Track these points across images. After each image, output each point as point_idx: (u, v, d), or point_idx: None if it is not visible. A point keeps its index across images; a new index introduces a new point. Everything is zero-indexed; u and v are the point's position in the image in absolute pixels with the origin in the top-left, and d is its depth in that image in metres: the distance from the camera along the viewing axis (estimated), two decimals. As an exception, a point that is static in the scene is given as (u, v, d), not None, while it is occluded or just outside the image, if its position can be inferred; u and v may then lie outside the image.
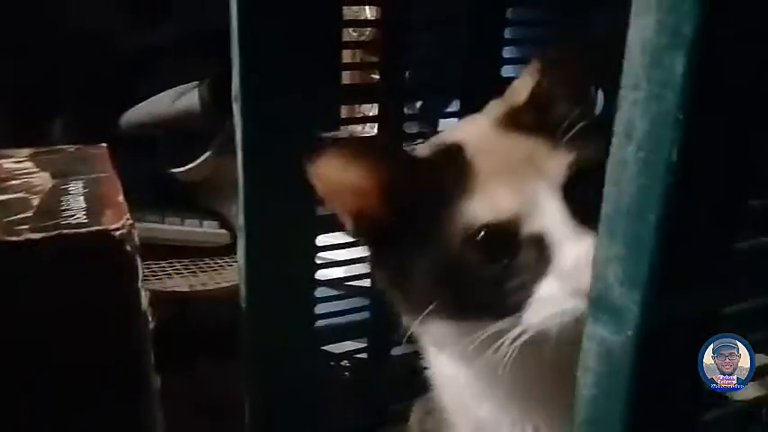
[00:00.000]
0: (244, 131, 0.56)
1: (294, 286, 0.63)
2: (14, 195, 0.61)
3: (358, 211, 0.43)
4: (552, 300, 0.34)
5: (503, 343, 0.36)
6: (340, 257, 0.67)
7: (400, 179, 0.41)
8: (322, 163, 0.42)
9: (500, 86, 0.45)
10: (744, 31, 0.21)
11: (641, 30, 0.21)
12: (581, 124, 0.37)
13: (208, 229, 0.92)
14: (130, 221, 0.54)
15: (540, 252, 0.35)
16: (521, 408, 0.44)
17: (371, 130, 0.69)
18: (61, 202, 0.59)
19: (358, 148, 0.42)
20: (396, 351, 0.70)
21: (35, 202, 0.60)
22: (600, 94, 0.46)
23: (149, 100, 0.89)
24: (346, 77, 0.67)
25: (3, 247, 0.51)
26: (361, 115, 0.77)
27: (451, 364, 0.47)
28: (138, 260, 0.55)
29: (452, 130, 0.50)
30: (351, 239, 0.64)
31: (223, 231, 0.93)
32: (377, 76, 0.67)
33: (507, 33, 0.64)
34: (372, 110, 0.69)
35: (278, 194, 0.59)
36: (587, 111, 0.40)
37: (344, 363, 0.69)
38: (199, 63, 0.93)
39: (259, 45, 0.54)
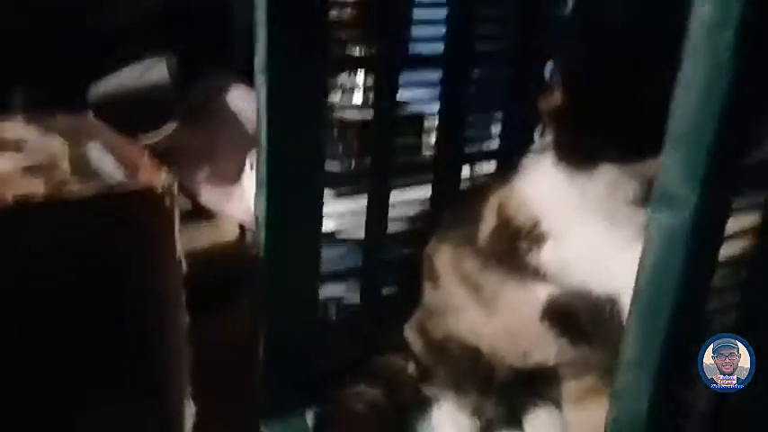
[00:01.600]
0: (269, 99, 0.63)
1: (305, 234, 0.71)
2: (39, 158, 0.65)
3: None
4: None
5: None
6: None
7: None
8: None
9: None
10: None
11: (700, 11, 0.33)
12: None
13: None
14: (170, 178, 0.61)
15: None
16: None
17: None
18: (91, 163, 0.64)
19: None
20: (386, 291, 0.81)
21: (64, 163, 0.64)
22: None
23: (117, 72, 0.91)
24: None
25: (54, 204, 0.56)
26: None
27: None
28: (176, 212, 0.61)
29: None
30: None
31: (184, 199, 0.98)
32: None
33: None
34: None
35: (295, 152, 0.67)
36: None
37: (342, 302, 0.78)
38: (162, 37, 0.96)
39: (284, 20, 0.61)
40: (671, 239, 0.37)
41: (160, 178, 0.60)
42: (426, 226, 0.80)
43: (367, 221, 0.76)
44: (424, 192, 0.80)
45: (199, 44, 0.99)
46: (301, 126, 0.66)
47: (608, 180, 0.53)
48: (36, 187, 0.56)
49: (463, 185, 0.82)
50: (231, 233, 1.04)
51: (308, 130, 0.67)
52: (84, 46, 0.96)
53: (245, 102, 1.05)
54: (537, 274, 0.59)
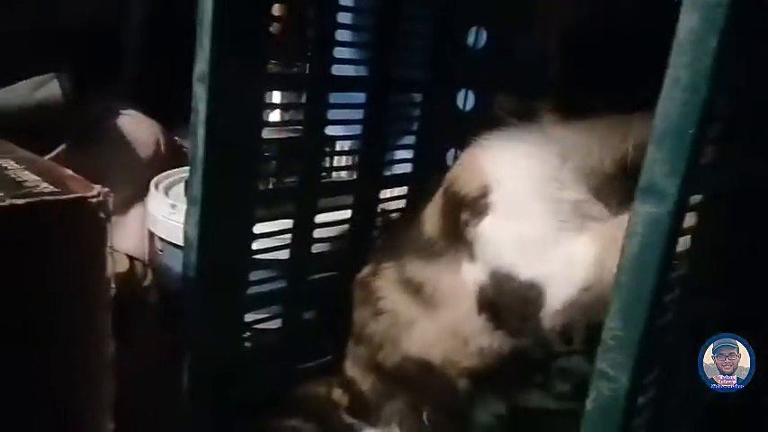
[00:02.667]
0: (208, 110, 0.61)
1: (236, 256, 0.69)
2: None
3: None
4: None
5: None
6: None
7: None
8: None
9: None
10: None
11: (688, 22, 0.37)
12: None
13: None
14: (106, 190, 0.57)
15: None
16: None
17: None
18: (9, 175, 0.59)
19: None
20: (307, 315, 0.79)
21: (-21, 176, 0.58)
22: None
23: (4, 89, 0.83)
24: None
25: None
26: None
27: None
28: (109, 227, 0.57)
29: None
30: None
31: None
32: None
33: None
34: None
35: (229, 169, 0.65)
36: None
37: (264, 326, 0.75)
38: (49, 56, 0.90)
39: (228, 30, 0.60)
40: (654, 229, 0.41)
41: (92, 189, 0.56)
42: (347, 249, 0.80)
43: (292, 243, 0.74)
44: (344, 214, 0.80)
45: (89, 63, 0.94)
46: (238, 141, 0.65)
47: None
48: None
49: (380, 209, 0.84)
50: (121, 264, 0.98)
51: (244, 146, 0.66)
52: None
53: (136, 127, 1.01)
54: (471, 253, 0.59)
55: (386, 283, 0.67)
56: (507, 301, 0.58)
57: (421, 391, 0.65)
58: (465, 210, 0.60)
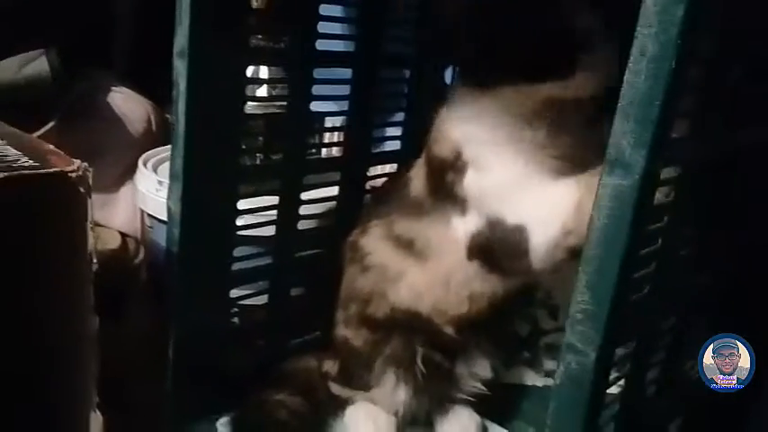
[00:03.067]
0: (189, 85, 0.61)
1: (219, 232, 0.69)
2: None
3: None
4: None
5: None
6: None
7: None
8: None
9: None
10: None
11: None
12: None
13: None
14: (85, 165, 0.57)
15: None
16: None
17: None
18: (-10, 151, 0.59)
19: None
20: (294, 292, 0.79)
21: (-39, 152, 0.58)
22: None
23: (-8, 66, 0.84)
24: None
25: None
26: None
27: None
28: (90, 202, 0.58)
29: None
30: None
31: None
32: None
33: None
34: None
35: (213, 144, 0.65)
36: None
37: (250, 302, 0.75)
38: (39, 29, 0.90)
39: (208, 5, 0.60)
40: (621, 201, 0.40)
41: (73, 164, 0.56)
42: (334, 225, 0.80)
43: (278, 220, 0.74)
44: (331, 191, 0.80)
45: (78, 39, 0.94)
46: (220, 116, 0.64)
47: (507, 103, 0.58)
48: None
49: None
50: (113, 241, 0.99)
51: (227, 122, 0.66)
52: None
53: (128, 104, 1.01)
54: (462, 207, 0.62)
55: (373, 240, 0.70)
56: (499, 244, 0.61)
57: (412, 335, 0.68)
58: (448, 171, 0.63)
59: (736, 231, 0.59)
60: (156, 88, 1.03)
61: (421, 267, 0.67)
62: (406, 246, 0.67)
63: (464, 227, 0.63)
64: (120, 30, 1.07)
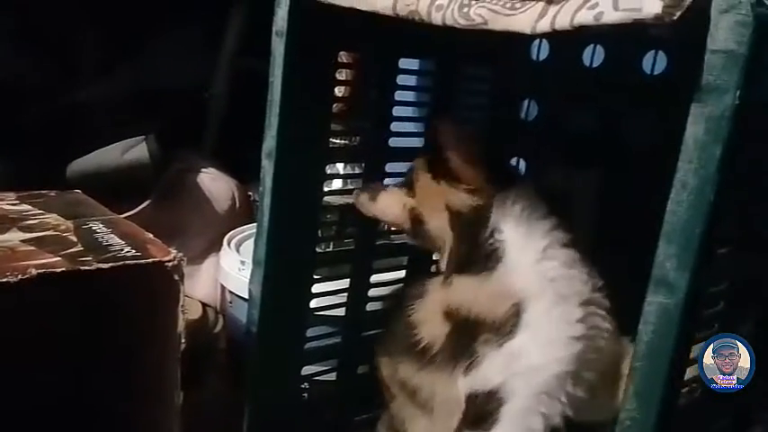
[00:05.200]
0: (274, 183, 0.68)
1: (295, 313, 0.75)
2: (46, 233, 0.66)
3: None
4: None
5: None
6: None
7: None
8: None
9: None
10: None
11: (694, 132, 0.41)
12: None
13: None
14: (180, 254, 0.64)
15: None
16: None
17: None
18: (98, 238, 0.66)
19: None
20: (361, 369, 0.84)
21: (73, 238, 0.66)
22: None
23: (96, 152, 0.94)
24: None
25: (74, 276, 0.58)
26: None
27: None
28: (182, 288, 0.64)
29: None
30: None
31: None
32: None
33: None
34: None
35: (293, 234, 0.71)
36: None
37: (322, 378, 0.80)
38: (137, 119, 1.00)
39: (294, 112, 0.67)
40: (666, 318, 0.44)
41: (170, 254, 0.63)
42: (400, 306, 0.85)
43: (347, 302, 0.80)
44: (398, 274, 0.85)
45: (173, 125, 1.04)
46: (301, 210, 0.71)
47: None
48: (54, 261, 0.58)
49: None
50: (195, 311, 1.06)
51: (307, 214, 0.72)
52: (56, 123, 0.98)
53: (215, 183, 1.09)
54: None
55: (387, 377, 0.70)
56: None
57: None
58: (484, 331, 0.59)
59: None
60: (240, 167, 1.12)
61: (428, 420, 0.66)
62: (412, 393, 0.66)
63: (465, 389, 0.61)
64: (212, 116, 1.17)
